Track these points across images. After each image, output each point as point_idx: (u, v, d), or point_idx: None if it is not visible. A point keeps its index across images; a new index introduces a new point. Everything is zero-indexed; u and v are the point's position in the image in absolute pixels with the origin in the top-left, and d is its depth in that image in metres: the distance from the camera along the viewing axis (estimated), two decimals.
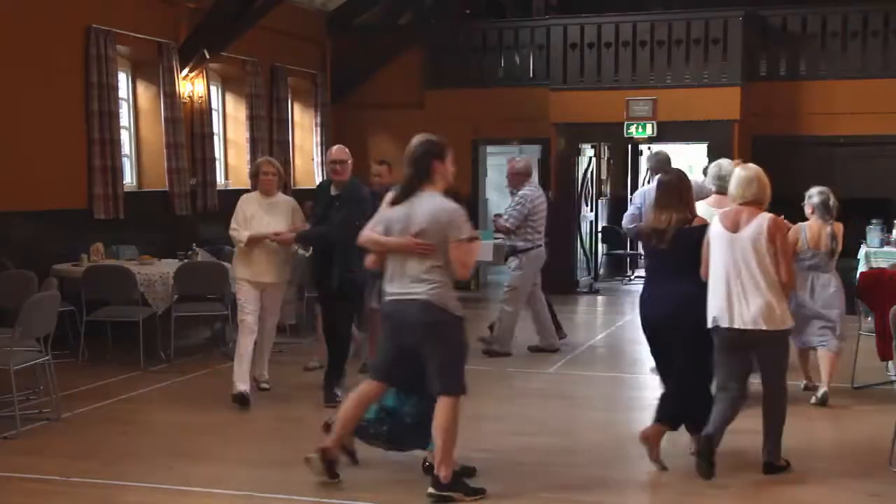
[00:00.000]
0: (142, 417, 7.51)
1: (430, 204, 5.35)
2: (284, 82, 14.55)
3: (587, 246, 15.42)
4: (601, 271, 16.01)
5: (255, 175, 7.89)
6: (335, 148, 7.74)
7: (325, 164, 8.54)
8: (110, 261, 9.97)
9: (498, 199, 18.47)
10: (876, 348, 7.77)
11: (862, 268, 9.64)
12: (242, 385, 7.58)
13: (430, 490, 5.37)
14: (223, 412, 7.37)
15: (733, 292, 5.71)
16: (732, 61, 13.81)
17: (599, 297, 14.48)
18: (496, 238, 13.82)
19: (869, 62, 13.75)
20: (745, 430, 6.77)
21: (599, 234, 15.89)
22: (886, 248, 10.24)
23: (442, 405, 5.37)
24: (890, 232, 10.61)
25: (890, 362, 8.15)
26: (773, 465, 5.92)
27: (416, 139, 5.50)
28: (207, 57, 12.38)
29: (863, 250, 10.18)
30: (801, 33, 14.05)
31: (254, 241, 7.62)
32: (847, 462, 6.12)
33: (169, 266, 9.55)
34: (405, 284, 5.37)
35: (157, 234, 11.44)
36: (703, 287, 5.85)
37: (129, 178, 11.97)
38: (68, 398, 7.61)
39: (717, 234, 5.82)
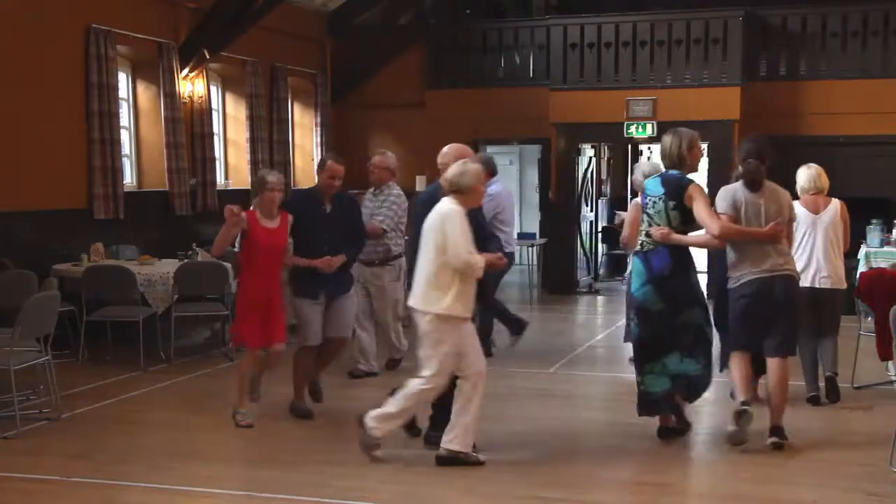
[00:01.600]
0: (142, 417, 7.50)
1: (781, 190, 6.40)
2: (284, 82, 14.55)
3: (587, 246, 15.40)
4: (601, 271, 15.99)
5: (475, 187, 5.97)
6: (457, 147, 6.43)
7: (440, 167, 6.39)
8: (110, 261, 9.98)
9: None
10: (876, 348, 7.78)
11: (862, 268, 9.64)
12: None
13: (773, 439, 6.23)
14: (223, 412, 7.35)
15: (816, 260, 7.29)
16: (732, 61, 13.80)
17: (599, 298, 14.48)
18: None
19: (869, 62, 13.74)
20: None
21: (599, 234, 15.88)
22: (886, 248, 10.24)
23: (782, 365, 6.31)
24: (890, 232, 10.61)
25: (890, 362, 8.16)
26: (834, 380, 7.45)
27: (752, 137, 6.53)
28: (207, 57, 12.38)
29: (863, 250, 10.18)
30: (801, 33, 14.05)
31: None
32: (847, 462, 6.11)
33: (169, 266, 9.55)
34: (773, 262, 6.20)
35: (157, 234, 11.44)
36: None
37: (129, 178, 11.96)
38: (68, 398, 7.61)
39: (801, 215, 7.19)
